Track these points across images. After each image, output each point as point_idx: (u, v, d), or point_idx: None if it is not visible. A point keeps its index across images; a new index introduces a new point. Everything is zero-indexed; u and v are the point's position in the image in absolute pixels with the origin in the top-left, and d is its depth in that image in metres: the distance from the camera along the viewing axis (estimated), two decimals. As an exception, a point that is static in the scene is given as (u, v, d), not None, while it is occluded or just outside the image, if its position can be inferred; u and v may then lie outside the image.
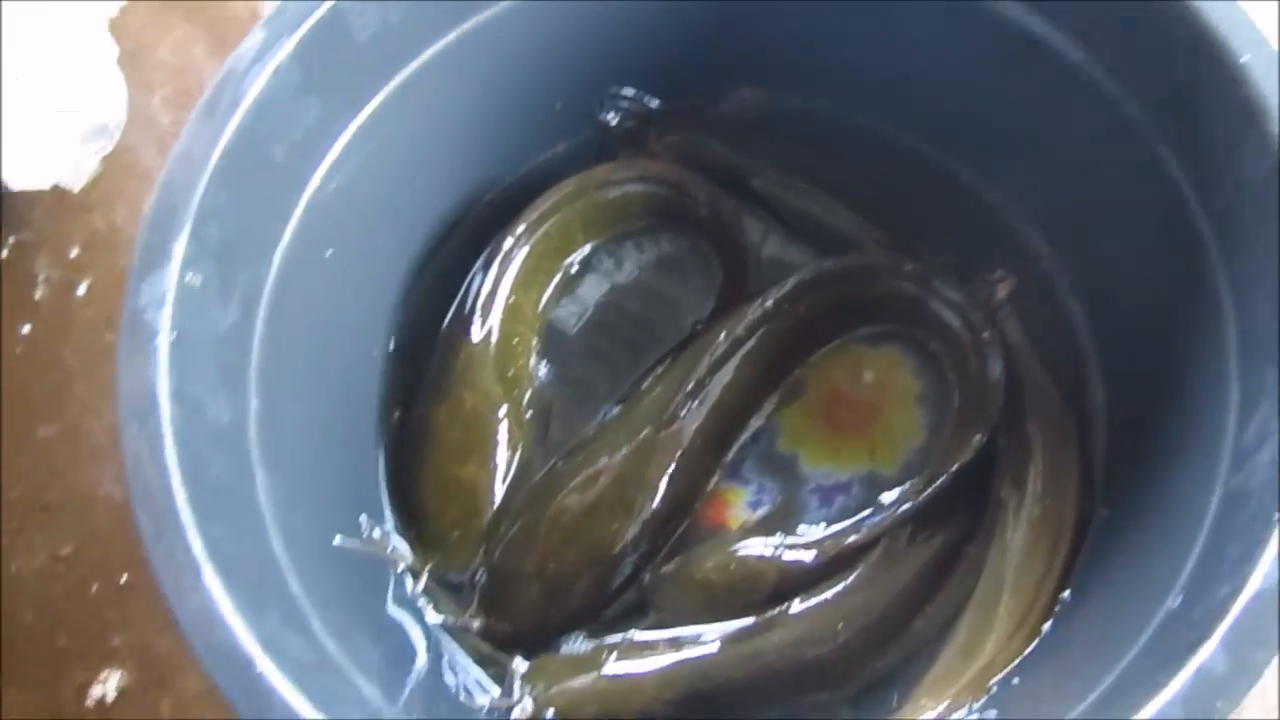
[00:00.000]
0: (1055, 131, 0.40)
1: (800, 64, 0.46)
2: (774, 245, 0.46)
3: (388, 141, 0.40)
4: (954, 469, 0.39)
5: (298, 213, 0.38)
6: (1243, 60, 0.32)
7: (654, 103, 0.47)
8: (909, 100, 0.45)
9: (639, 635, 0.39)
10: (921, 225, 0.45)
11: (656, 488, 0.40)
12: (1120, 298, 0.40)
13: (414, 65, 0.40)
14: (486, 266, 0.43)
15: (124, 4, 0.59)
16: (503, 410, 0.42)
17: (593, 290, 0.46)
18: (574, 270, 0.46)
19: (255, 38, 0.36)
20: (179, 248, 0.33)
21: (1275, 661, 0.48)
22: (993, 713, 0.35)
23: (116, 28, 0.59)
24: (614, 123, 0.47)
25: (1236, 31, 0.32)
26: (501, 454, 0.42)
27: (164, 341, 0.32)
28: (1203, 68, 0.33)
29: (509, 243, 0.43)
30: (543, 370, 0.44)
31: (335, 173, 0.39)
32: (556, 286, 0.46)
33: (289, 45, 0.36)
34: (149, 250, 0.33)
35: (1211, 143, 0.33)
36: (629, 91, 0.47)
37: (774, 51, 0.45)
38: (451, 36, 0.41)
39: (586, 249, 0.46)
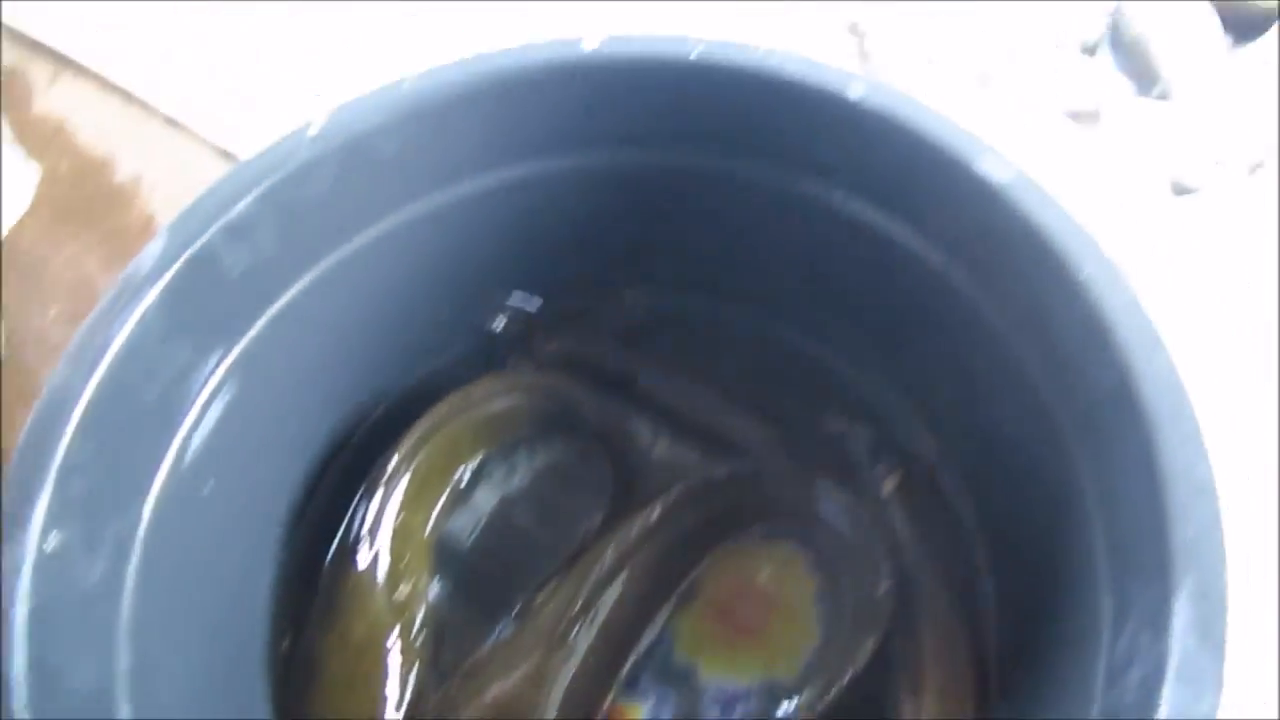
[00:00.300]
0: (925, 329, 0.41)
1: (678, 265, 0.46)
2: (664, 446, 0.46)
3: (266, 371, 0.40)
4: (847, 678, 0.39)
5: (171, 453, 0.37)
6: (1082, 276, 0.33)
7: (538, 306, 0.47)
8: (788, 299, 0.46)
9: None
10: (808, 421, 0.45)
11: (550, 715, 0.39)
12: (1003, 493, 0.40)
13: (289, 294, 0.40)
14: (371, 490, 0.43)
15: (15, 221, 0.59)
16: (393, 636, 0.41)
17: (485, 500, 0.46)
18: (465, 482, 0.46)
19: (121, 283, 0.36)
20: (40, 510, 0.32)
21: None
22: None
23: (10, 243, 0.59)
24: (500, 329, 0.47)
25: (1077, 246, 0.33)
26: (393, 683, 0.41)
27: (21, 611, 0.31)
28: (1047, 280, 0.34)
29: (393, 463, 0.43)
30: (435, 589, 0.44)
31: (211, 408, 0.38)
32: (447, 500, 0.45)
33: (155, 290, 0.36)
34: (7, 515, 0.32)
35: (1064, 352, 0.34)
36: (514, 297, 0.47)
37: (653, 253, 0.46)
38: (326, 263, 0.41)
39: (477, 460, 0.46)
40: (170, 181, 0.65)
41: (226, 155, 0.65)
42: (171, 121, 0.67)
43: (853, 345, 0.45)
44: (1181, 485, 0.29)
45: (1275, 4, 0.63)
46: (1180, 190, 0.57)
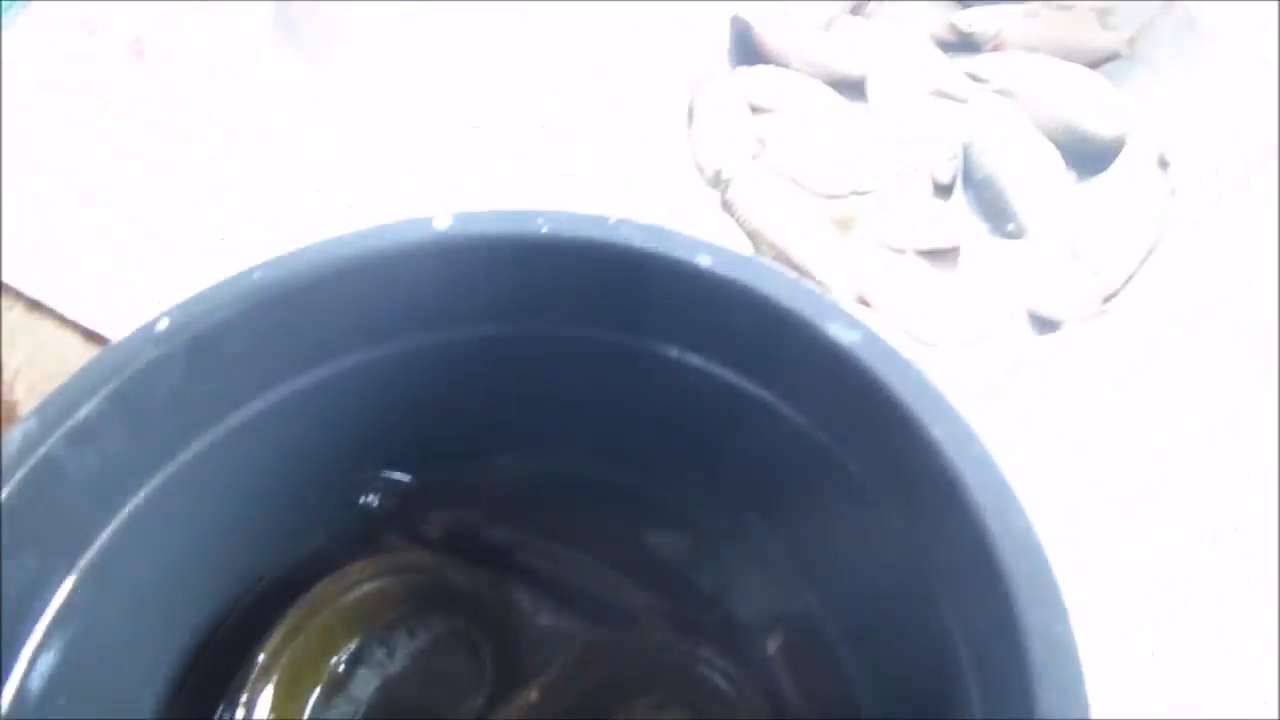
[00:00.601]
0: (799, 486, 0.41)
1: (549, 431, 0.46)
2: (547, 616, 0.45)
3: (120, 576, 0.38)
4: None
5: (18, 672, 0.35)
6: (933, 434, 0.33)
7: (411, 481, 0.47)
8: (661, 458, 0.45)
9: None
10: (690, 584, 0.45)
11: None
12: (885, 649, 0.40)
13: (142, 494, 0.39)
14: (238, 691, 0.41)
15: None
16: (267, 845, 0.39)
17: (364, 687, 0.44)
18: (342, 669, 0.44)
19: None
20: None
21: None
22: None
23: None
24: (374, 505, 0.46)
25: (926, 405, 0.34)
26: None
27: None
28: (901, 439, 0.34)
29: (261, 660, 0.41)
30: (313, 788, 0.42)
31: (63, 620, 0.37)
32: (323, 691, 0.43)
33: (-8, 508, 0.34)
34: None
35: (924, 509, 0.34)
36: (386, 473, 0.47)
37: (523, 421, 0.46)
38: (181, 458, 0.40)
39: (352, 645, 0.44)
40: (33, 367, 0.63)
41: (94, 337, 0.64)
42: (36, 305, 0.65)
43: (730, 503, 0.45)
44: (1041, 645, 0.29)
45: (1116, 134, 0.66)
46: (1041, 323, 0.59)
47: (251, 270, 0.40)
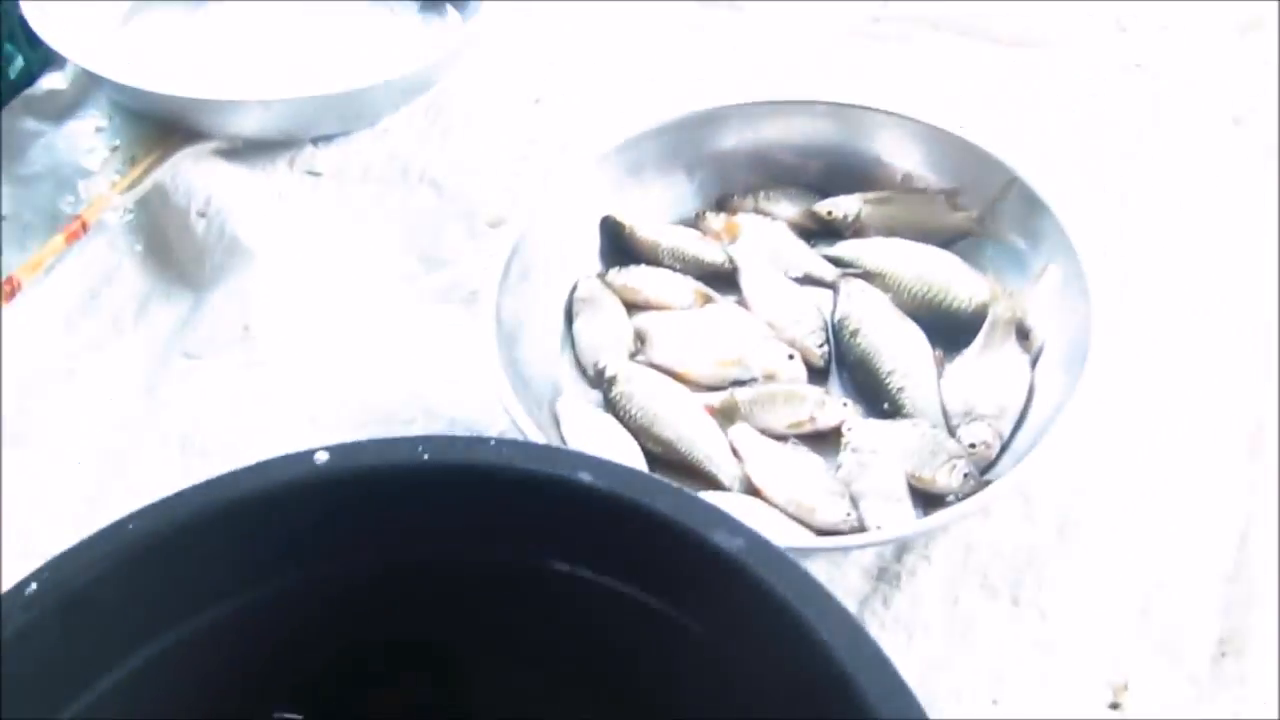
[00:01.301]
0: (700, 694, 0.41)
1: (442, 652, 0.45)
2: None
3: None
4: None
5: None
6: (822, 636, 0.33)
7: (301, 717, 0.45)
8: (564, 672, 0.45)
9: None
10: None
11: None
12: None
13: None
14: None
15: None
16: None
17: None
18: None
19: None
20: None
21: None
22: None
23: None
24: (266, 749, 0.45)
25: (813, 606, 0.34)
26: None
27: None
28: (790, 640, 0.34)
29: None
30: None
31: None
32: None
33: None
34: None
35: (819, 709, 0.34)
36: (276, 713, 0.45)
37: (415, 644, 0.45)
38: (60, 721, 0.38)
39: None
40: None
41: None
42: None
43: (631, 713, 0.44)
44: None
45: (975, 309, 0.68)
46: (925, 500, 0.60)
47: (126, 520, 0.39)
